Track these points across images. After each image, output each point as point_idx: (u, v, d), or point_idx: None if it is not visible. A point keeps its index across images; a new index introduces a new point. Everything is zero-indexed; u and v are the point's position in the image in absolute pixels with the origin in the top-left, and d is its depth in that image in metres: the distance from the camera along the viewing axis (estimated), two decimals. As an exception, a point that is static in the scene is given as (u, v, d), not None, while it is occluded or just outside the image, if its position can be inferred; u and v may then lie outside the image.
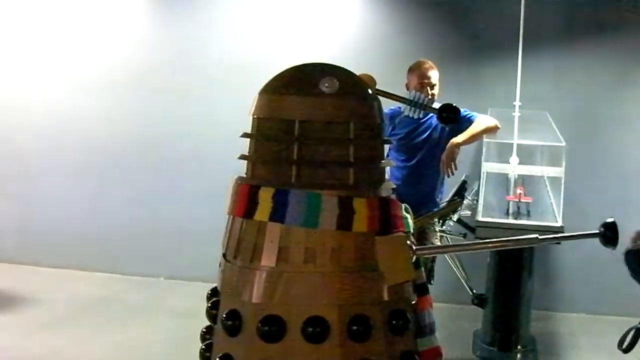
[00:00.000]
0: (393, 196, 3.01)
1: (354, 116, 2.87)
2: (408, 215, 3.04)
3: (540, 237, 3.00)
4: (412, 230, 3.04)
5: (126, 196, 9.53)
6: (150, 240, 9.41)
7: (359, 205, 2.80)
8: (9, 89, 9.69)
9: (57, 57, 9.61)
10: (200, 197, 8.81)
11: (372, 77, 3.14)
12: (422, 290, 3.05)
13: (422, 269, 3.07)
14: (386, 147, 6.62)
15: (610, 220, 3.06)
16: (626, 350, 3.48)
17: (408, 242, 2.90)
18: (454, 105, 3.27)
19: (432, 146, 6.78)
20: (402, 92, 3.35)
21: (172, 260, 9.14)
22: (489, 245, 3.35)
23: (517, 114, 7.53)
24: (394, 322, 2.87)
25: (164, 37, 9.41)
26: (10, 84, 9.71)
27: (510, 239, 3.09)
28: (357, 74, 3.05)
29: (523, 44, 7.57)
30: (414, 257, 2.92)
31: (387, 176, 6.65)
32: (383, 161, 3.01)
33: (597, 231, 3.03)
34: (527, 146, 7.51)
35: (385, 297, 2.86)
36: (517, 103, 7.55)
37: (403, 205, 3.05)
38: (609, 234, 3.03)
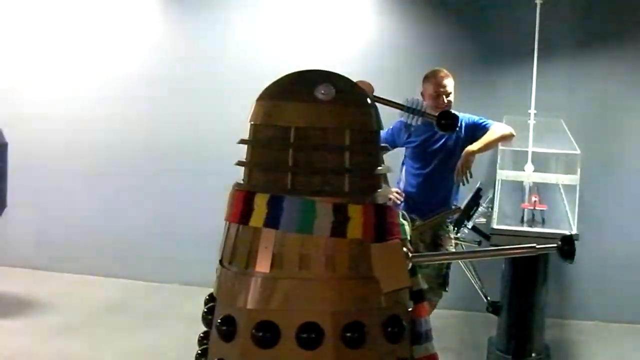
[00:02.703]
0: (390, 203, 3.01)
1: (350, 123, 2.88)
2: (405, 222, 3.04)
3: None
4: (408, 237, 3.03)
5: (142, 202, 9.57)
6: (165, 246, 9.44)
7: (354, 212, 2.81)
8: (24, 96, 9.74)
9: (71, 63, 9.66)
10: (217, 203, 8.77)
11: (369, 84, 3.14)
12: (418, 297, 3.04)
13: (419, 276, 3.06)
14: (395, 154, 6.68)
15: (567, 233, 3.04)
16: None
17: (404, 249, 2.90)
18: (453, 112, 3.27)
19: (447, 154, 6.77)
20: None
21: (187, 266, 9.15)
22: (488, 253, 3.35)
23: (532, 121, 7.50)
24: (389, 329, 2.87)
25: (176, 43, 9.44)
26: (24, 91, 9.76)
27: (506, 248, 3.09)
28: (355, 80, 3.05)
29: (538, 51, 7.54)
30: (410, 265, 2.92)
31: (402, 184, 6.68)
32: (379, 168, 3.00)
33: (554, 245, 3.01)
34: (542, 154, 7.47)
35: (381, 304, 2.85)
36: (532, 111, 7.53)
37: (400, 212, 3.04)
38: (566, 248, 3.01)
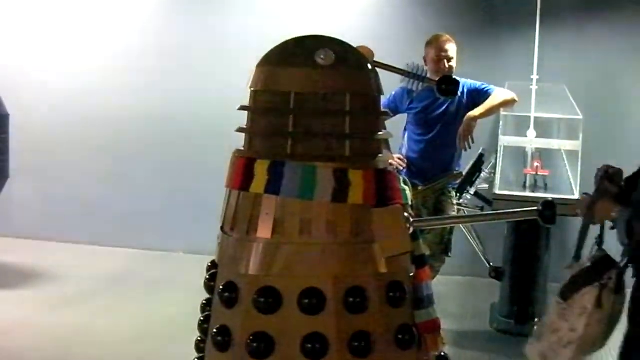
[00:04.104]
0: (392, 169, 3.00)
1: (350, 88, 2.87)
2: (406, 188, 3.04)
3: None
4: (410, 203, 3.03)
5: (146, 172, 9.57)
6: (169, 215, 9.46)
7: (354, 177, 2.81)
8: (30, 66, 9.73)
9: (73, 34, 9.64)
10: (219, 172, 8.79)
11: (370, 50, 3.12)
12: (420, 262, 3.04)
13: (420, 241, 3.06)
14: (397, 121, 6.67)
15: (549, 198, 3.07)
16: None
17: (405, 214, 2.90)
18: (454, 77, 3.26)
19: (449, 120, 6.75)
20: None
21: (191, 234, 9.16)
22: (488, 217, 3.37)
23: (534, 87, 7.51)
24: (391, 294, 2.88)
25: (181, 15, 9.43)
26: (31, 61, 9.75)
27: (506, 212, 3.11)
28: (355, 46, 3.05)
29: (541, 17, 7.54)
30: (411, 229, 2.92)
31: (404, 150, 6.68)
32: (380, 133, 3.00)
33: (535, 208, 3.02)
34: (544, 119, 7.48)
35: (382, 269, 2.86)
36: (535, 76, 7.53)
37: (401, 178, 3.05)
38: (547, 213, 3.02)
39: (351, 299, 2.79)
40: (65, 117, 9.65)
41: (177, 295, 7.70)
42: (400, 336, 2.89)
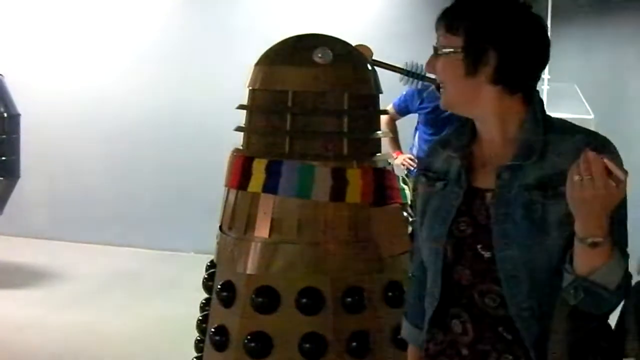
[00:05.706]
0: (389, 167, 2.99)
1: (348, 87, 2.86)
2: (406, 187, 3.03)
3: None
4: (409, 202, 3.02)
5: (156, 171, 9.54)
6: (180, 215, 9.43)
7: (352, 176, 2.79)
8: (41, 66, 9.74)
9: (83, 33, 9.61)
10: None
11: (368, 48, 3.11)
12: (419, 261, 3.03)
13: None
14: (408, 121, 6.64)
15: None
16: None
17: (404, 213, 2.89)
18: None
19: (460, 120, 6.70)
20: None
21: (202, 234, 9.12)
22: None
23: (546, 87, 7.46)
24: (389, 293, 2.86)
25: (193, 15, 9.42)
26: (43, 61, 9.76)
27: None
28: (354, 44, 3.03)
29: (552, 16, 7.48)
30: (410, 229, 2.90)
31: (415, 150, 6.64)
32: (379, 132, 2.98)
33: None
34: (555, 119, 7.44)
35: (381, 268, 2.84)
36: (546, 76, 7.48)
37: (400, 177, 3.03)
38: None
39: (349, 299, 2.77)
40: (75, 117, 9.64)
41: (187, 295, 7.62)
42: (398, 336, 2.87)
